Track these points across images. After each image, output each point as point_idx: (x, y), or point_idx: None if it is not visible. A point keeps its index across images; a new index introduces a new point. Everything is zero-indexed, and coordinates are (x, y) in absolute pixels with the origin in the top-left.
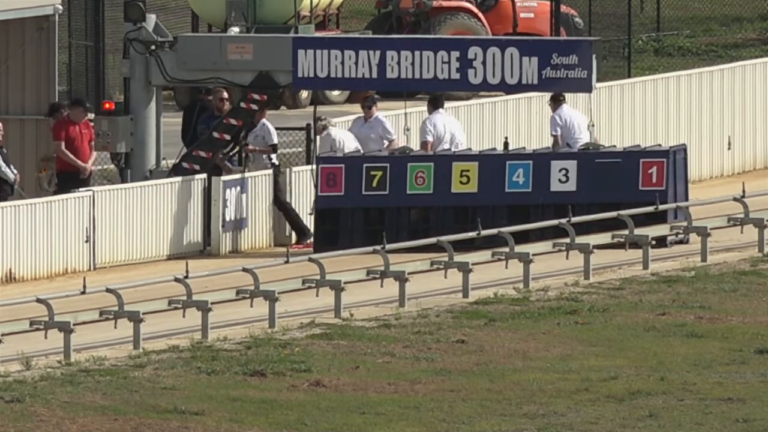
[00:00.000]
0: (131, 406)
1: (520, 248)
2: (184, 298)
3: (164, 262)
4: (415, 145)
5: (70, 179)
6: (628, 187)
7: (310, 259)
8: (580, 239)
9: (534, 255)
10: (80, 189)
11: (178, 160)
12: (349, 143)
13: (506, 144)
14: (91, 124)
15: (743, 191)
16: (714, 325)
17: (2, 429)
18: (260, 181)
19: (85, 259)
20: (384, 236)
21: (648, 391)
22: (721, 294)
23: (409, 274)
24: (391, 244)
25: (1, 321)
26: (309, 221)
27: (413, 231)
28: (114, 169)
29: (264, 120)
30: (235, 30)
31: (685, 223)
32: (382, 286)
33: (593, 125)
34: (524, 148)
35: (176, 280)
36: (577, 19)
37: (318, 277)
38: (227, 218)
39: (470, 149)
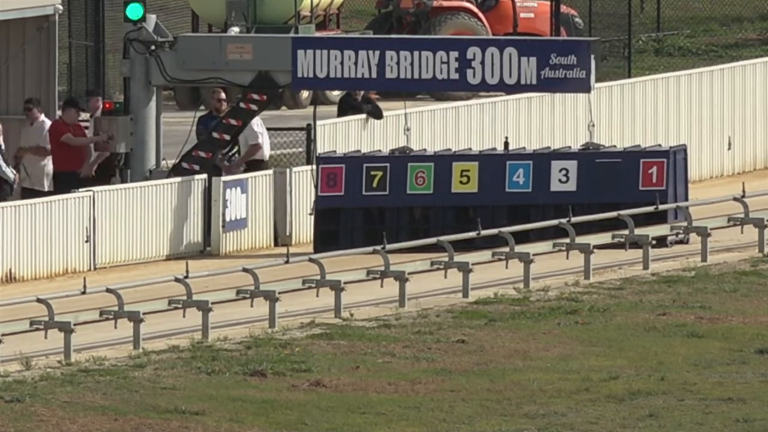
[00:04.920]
0: (131, 406)
1: (520, 248)
2: (185, 298)
3: (164, 262)
4: (415, 146)
5: (67, 179)
6: (628, 187)
7: (310, 259)
8: (581, 239)
9: (534, 255)
10: (80, 189)
11: (178, 161)
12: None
13: (506, 144)
14: (84, 125)
15: (743, 191)
16: (714, 326)
17: (2, 429)
18: (260, 181)
19: (86, 259)
20: (384, 236)
21: (648, 391)
22: (722, 294)
23: (409, 274)
24: (391, 244)
25: (1, 321)
26: (309, 221)
27: (413, 231)
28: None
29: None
30: (235, 30)
31: (685, 223)
32: (382, 286)
33: (593, 125)
34: (524, 148)
35: (176, 280)
36: (577, 19)
37: (318, 277)
38: (227, 218)
39: (470, 149)
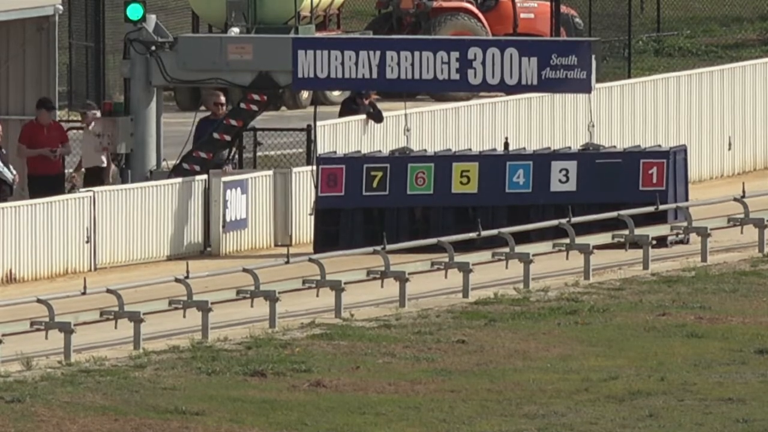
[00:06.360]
0: (132, 407)
1: (520, 248)
2: (185, 298)
3: (164, 263)
4: (415, 146)
5: (41, 183)
6: (628, 188)
7: (310, 260)
8: (580, 239)
9: (534, 255)
10: (81, 189)
11: (178, 161)
12: None
13: (506, 144)
14: (64, 125)
15: (743, 191)
16: (714, 326)
17: (3, 429)
18: (261, 181)
19: (86, 259)
20: (384, 237)
21: (648, 392)
22: (722, 294)
23: (409, 274)
24: (391, 244)
25: (2, 321)
26: (309, 222)
27: (413, 231)
28: (114, 169)
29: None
30: (235, 30)
31: (685, 224)
32: (382, 286)
33: (593, 126)
34: (524, 148)
35: (177, 280)
36: (577, 20)
37: (318, 278)
38: (227, 219)
39: (470, 149)
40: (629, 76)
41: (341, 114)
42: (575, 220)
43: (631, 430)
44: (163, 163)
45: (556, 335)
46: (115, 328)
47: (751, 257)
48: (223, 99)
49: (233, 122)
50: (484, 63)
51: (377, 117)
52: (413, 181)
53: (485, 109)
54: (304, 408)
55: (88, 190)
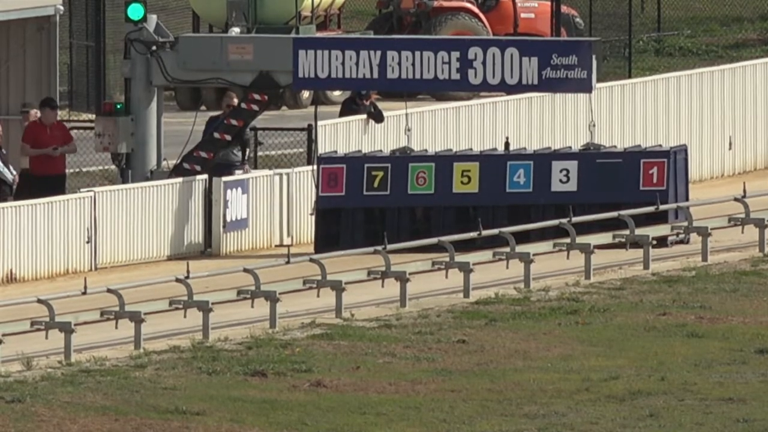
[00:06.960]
0: (132, 407)
1: (521, 248)
2: (185, 298)
3: (165, 263)
4: (416, 146)
5: (43, 183)
6: (628, 187)
7: (311, 260)
8: (581, 239)
9: (535, 255)
10: (82, 189)
11: (179, 161)
12: None
13: (507, 144)
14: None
15: (744, 191)
16: (714, 326)
17: (3, 429)
18: (261, 181)
19: (86, 259)
20: (385, 236)
21: (648, 391)
22: (722, 294)
23: (410, 274)
24: (392, 244)
25: (2, 321)
26: (310, 222)
27: (414, 231)
28: (115, 169)
29: None
30: (235, 30)
31: (685, 223)
32: (383, 286)
33: (594, 125)
34: (525, 148)
35: (177, 280)
36: (577, 20)
37: (319, 278)
38: (228, 219)
39: (471, 149)
40: (630, 76)
41: (342, 114)
42: (576, 219)
43: (631, 430)
44: (164, 163)
45: (557, 335)
46: (116, 328)
47: (752, 257)
48: (236, 101)
49: (234, 122)
50: (484, 63)
51: (378, 117)
52: (414, 180)
53: (486, 108)
54: (305, 408)
55: (88, 190)
